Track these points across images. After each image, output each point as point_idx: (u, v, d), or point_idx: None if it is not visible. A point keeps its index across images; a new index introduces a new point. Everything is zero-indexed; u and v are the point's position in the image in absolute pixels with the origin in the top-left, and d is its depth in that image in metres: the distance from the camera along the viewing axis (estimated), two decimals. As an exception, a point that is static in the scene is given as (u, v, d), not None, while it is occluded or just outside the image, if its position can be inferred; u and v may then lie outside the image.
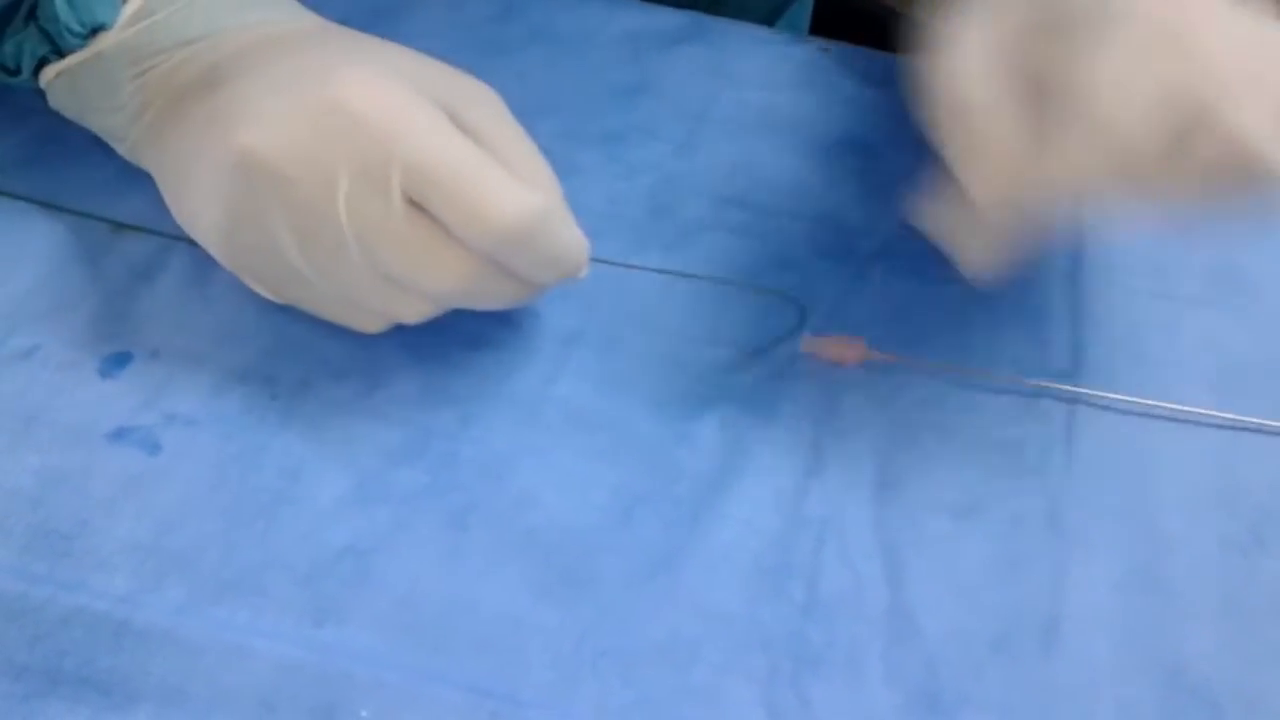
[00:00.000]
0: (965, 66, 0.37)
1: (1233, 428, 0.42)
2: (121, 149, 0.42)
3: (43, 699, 0.33)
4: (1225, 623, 0.37)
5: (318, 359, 0.40)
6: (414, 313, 0.38)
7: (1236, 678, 0.36)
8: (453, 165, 0.35)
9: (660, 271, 0.43)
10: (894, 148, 0.49)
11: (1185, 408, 0.42)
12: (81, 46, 0.39)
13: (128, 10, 0.39)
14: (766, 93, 0.51)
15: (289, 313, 0.40)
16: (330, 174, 0.34)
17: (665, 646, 0.35)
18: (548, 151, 0.46)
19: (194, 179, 0.37)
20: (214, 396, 0.39)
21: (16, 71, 0.41)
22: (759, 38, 0.53)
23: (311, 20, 0.42)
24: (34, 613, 0.34)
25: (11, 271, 0.41)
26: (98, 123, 0.41)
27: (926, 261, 0.45)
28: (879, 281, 0.44)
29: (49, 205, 0.43)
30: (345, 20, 0.41)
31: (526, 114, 0.47)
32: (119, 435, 0.38)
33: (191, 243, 0.42)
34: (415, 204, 0.35)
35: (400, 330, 0.41)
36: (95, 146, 0.45)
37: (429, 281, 0.36)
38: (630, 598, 0.36)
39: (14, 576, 0.35)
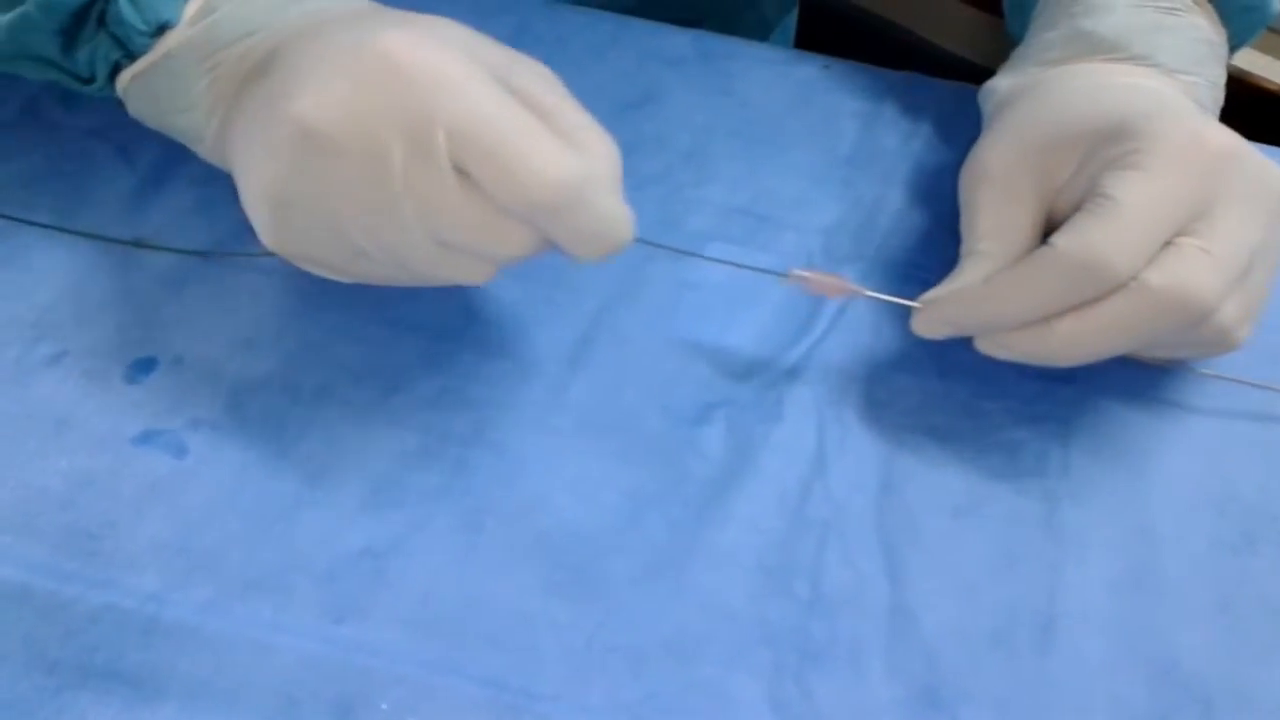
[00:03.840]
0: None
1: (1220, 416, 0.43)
2: (201, 150, 0.42)
3: (74, 692, 0.34)
4: (1216, 621, 0.38)
5: (337, 365, 0.41)
6: (478, 274, 0.37)
7: (1227, 674, 0.37)
8: (495, 127, 0.34)
9: (683, 253, 0.44)
10: (893, 160, 0.50)
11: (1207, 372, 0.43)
12: (149, 46, 0.39)
13: (191, 8, 0.39)
14: (770, 109, 0.52)
15: (309, 320, 0.42)
16: (381, 140, 0.34)
17: (672, 643, 0.36)
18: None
19: (252, 163, 0.37)
20: (237, 402, 0.40)
21: (91, 80, 0.42)
22: (762, 56, 0.54)
23: (366, 4, 0.41)
24: (65, 609, 0.35)
25: (39, 281, 0.43)
26: (176, 124, 0.41)
27: (926, 271, 0.46)
28: (877, 286, 0.46)
29: (66, 231, 0.44)
30: None
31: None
32: (145, 439, 0.39)
33: (213, 254, 0.43)
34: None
35: (416, 337, 0.42)
36: (117, 161, 0.46)
37: (490, 248, 0.36)
38: (638, 596, 0.37)
39: (45, 574, 0.36)
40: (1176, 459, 0.42)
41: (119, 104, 0.42)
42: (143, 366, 0.41)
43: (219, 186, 0.45)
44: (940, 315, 0.40)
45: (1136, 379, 0.44)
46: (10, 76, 0.49)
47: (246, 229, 0.44)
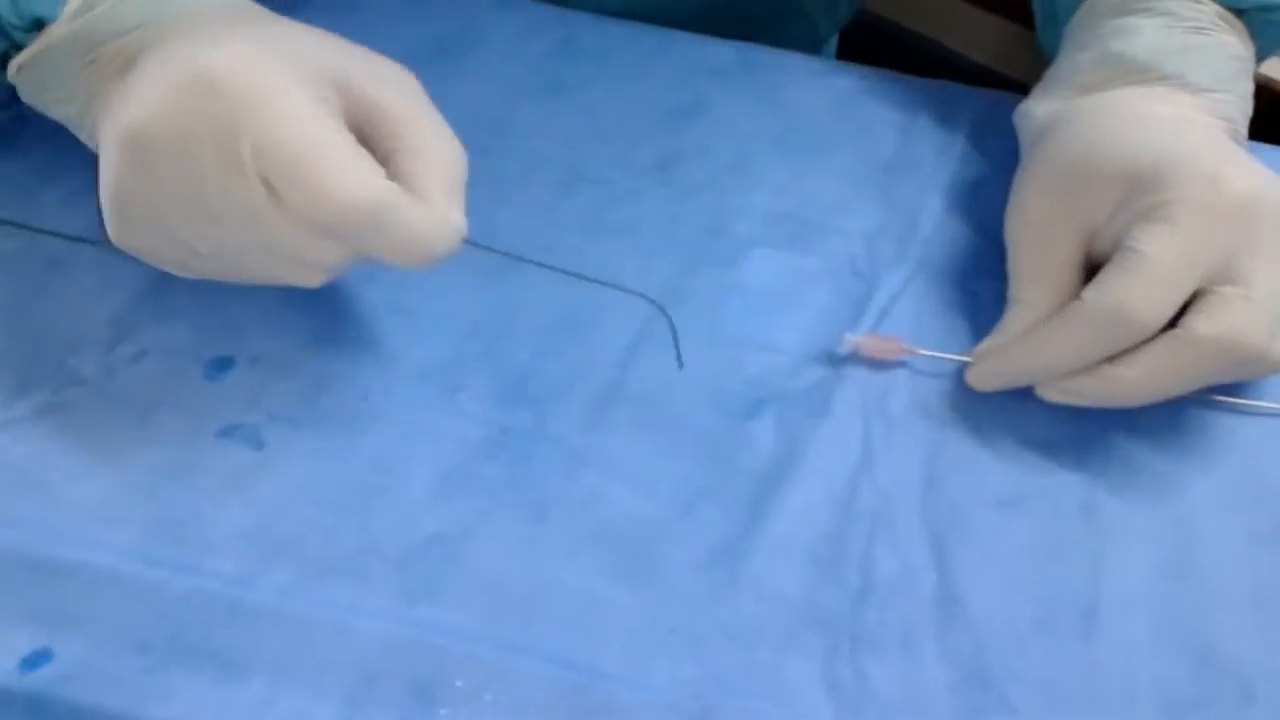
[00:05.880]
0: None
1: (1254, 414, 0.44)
2: (82, 137, 0.43)
3: (165, 671, 0.36)
4: (1254, 609, 0.40)
5: (405, 364, 0.43)
6: (308, 278, 0.39)
7: (1266, 658, 0.39)
8: (296, 144, 0.35)
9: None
10: (932, 166, 0.52)
11: (1224, 398, 0.44)
12: (26, 41, 0.41)
13: (73, 3, 0.40)
14: (812, 118, 0.54)
15: (376, 322, 0.44)
16: (193, 148, 0.35)
17: (730, 626, 0.38)
18: (608, 177, 0.50)
19: (100, 161, 0.39)
20: (311, 398, 0.42)
21: None
22: (805, 68, 0.56)
23: (243, 4, 0.42)
24: (154, 592, 0.37)
25: (116, 285, 0.44)
26: (59, 113, 0.43)
27: (962, 274, 0.48)
28: (920, 290, 0.47)
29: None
30: (406, 57, 0.42)
31: (587, 142, 0.51)
32: (226, 433, 0.41)
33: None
34: None
35: (477, 338, 0.44)
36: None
37: (305, 256, 0.37)
38: (696, 582, 0.39)
39: (134, 559, 0.38)
40: (1213, 454, 0.43)
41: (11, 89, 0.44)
42: (221, 364, 0.42)
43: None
44: (990, 370, 0.44)
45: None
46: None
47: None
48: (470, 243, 0.39)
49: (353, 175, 0.35)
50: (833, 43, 0.80)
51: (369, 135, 0.38)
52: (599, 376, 0.44)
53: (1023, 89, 0.52)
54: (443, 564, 0.38)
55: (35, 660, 0.36)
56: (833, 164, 0.52)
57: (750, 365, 0.45)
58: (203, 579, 0.37)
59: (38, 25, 0.41)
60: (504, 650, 0.37)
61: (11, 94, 0.44)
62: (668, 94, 0.54)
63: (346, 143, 0.36)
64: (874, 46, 0.82)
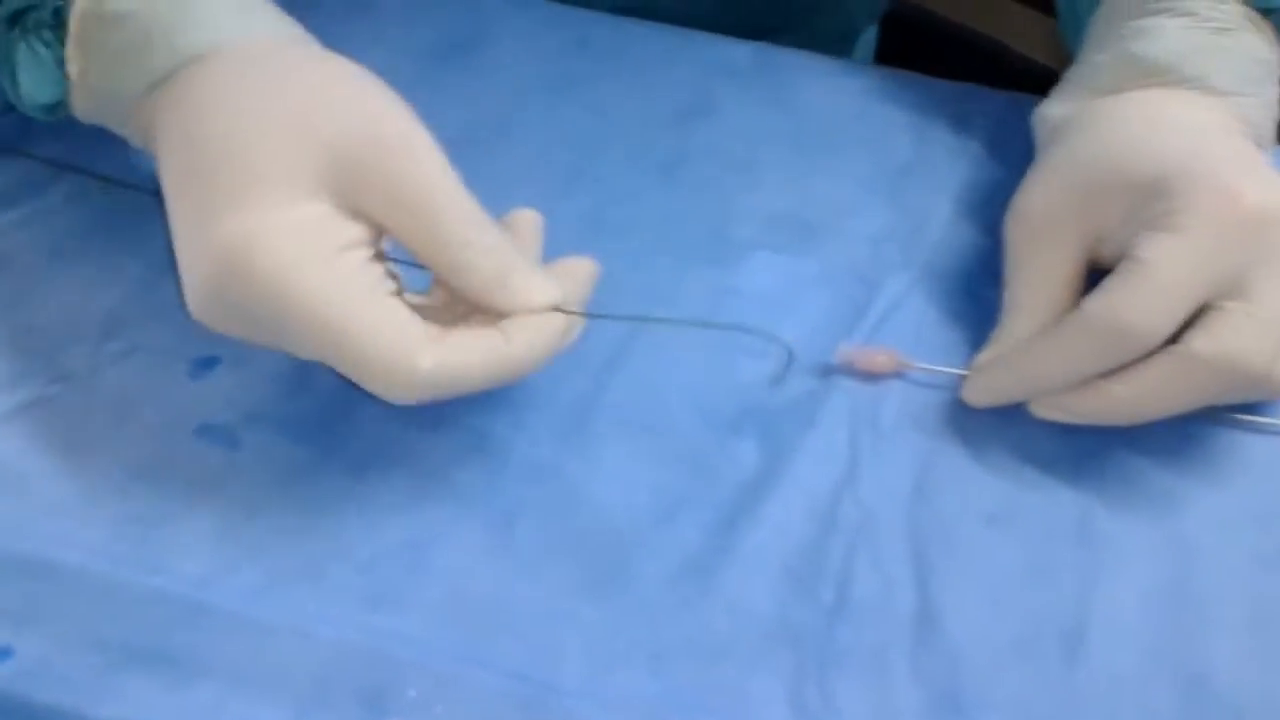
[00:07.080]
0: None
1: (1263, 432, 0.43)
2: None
3: (120, 672, 0.36)
4: (1251, 635, 0.38)
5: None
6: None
7: (1260, 686, 0.37)
8: (338, 336, 0.35)
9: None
10: (945, 171, 0.51)
11: (1231, 414, 0.43)
12: (49, 118, 0.43)
13: (75, 69, 0.41)
14: (824, 119, 0.53)
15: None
16: (252, 326, 0.37)
17: (694, 641, 0.37)
18: (610, 176, 0.49)
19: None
20: (291, 400, 0.42)
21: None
22: (821, 68, 0.55)
23: (252, 43, 0.40)
24: (118, 592, 0.37)
25: (112, 279, 0.45)
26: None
27: (969, 279, 0.47)
28: (924, 295, 0.46)
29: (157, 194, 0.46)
30: (417, 55, 0.42)
31: (593, 141, 0.51)
32: (202, 432, 0.41)
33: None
34: None
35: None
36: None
37: (385, 396, 0.37)
38: (665, 595, 0.38)
39: (101, 557, 0.38)
40: (1219, 472, 0.42)
41: None
42: (206, 364, 0.43)
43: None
44: (985, 386, 0.42)
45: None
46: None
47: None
48: (589, 314, 0.40)
49: (397, 363, 0.35)
50: (872, 38, 0.78)
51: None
52: (580, 382, 0.43)
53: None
54: (408, 571, 0.38)
55: (-4, 658, 0.36)
56: (842, 166, 0.51)
57: (737, 372, 0.44)
58: (167, 580, 0.38)
59: (53, 109, 0.42)
60: (460, 661, 0.36)
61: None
62: (678, 94, 0.53)
63: (383, 318, 0.35)
64: (921, 42, 0.81)
